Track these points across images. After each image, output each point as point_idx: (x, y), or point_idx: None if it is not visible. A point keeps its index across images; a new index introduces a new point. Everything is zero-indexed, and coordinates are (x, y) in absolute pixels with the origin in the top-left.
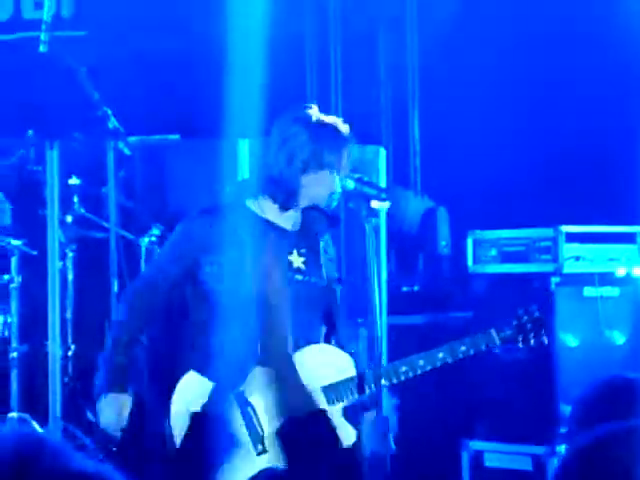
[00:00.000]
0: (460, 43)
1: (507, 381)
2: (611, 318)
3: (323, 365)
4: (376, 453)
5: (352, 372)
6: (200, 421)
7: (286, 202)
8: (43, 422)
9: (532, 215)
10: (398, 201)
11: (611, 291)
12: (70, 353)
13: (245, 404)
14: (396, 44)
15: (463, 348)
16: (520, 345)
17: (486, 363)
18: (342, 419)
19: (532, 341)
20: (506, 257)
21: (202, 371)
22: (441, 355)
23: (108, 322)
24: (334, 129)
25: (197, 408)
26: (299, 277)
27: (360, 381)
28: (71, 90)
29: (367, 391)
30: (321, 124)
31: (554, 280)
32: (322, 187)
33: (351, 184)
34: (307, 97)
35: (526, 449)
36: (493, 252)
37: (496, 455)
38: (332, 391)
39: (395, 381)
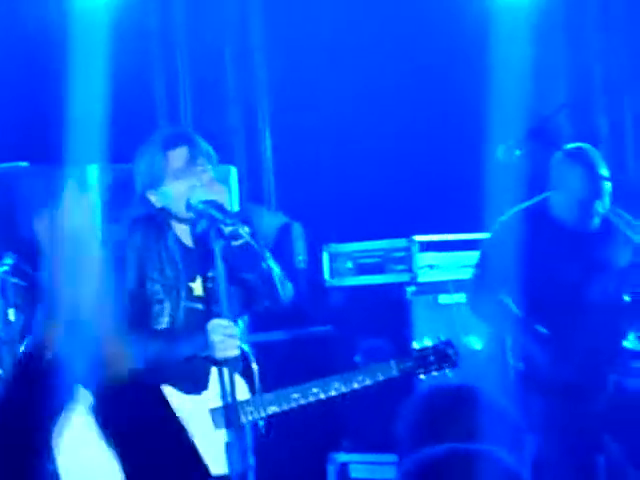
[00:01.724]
0: (308, 60)
1: (369, 391)
2: (467, 324)
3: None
4: (236, 470)
5: (245, 396)
6: None
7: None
8: None
9: (386, 226)
10: (251, 218)
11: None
12: None
13: None
14: (244, 61)
15: (360, 378)
16: (422, 377)
17: None
18: (223, 445)
19: (435, 373)
20: (362, 269)
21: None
22: (337, 384)
23: None
24: (150, 144)
25: None
26: (199, 306)
27: (249, 406)
28: None
29: (256, 417)
30: (142, 148)
31: (410, 290)
32: (170, 200)
33: (200, 205)
34: (156, 119)
35: (390, 458)
36: (349, 265)
37: (362, 466)
38: (219, 415)
39: (286, 407)
